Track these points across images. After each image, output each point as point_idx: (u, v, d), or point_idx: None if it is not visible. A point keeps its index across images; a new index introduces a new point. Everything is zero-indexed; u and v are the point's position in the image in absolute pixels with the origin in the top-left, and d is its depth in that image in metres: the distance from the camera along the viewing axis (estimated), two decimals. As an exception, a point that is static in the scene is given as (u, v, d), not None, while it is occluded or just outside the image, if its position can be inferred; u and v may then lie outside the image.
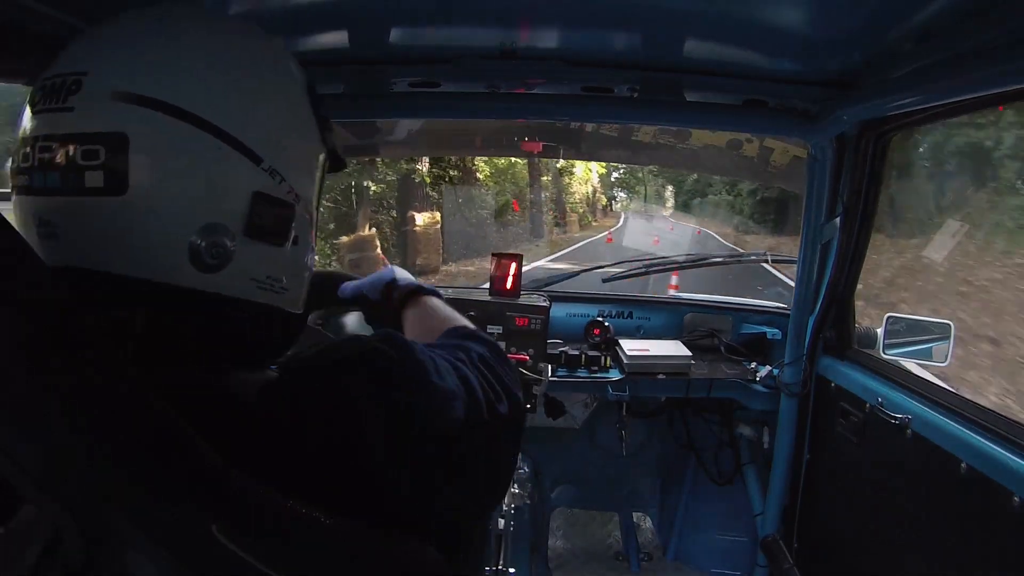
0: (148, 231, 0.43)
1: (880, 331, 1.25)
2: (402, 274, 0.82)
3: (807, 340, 1.38)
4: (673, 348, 1.56)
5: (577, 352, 1.54)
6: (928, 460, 0.99)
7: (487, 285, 1.56)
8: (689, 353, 1.53)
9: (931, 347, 1.18)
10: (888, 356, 1.23)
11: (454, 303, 1.57)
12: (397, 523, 0.44)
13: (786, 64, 1.03)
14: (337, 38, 0.99)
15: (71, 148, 0.42)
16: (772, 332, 1.62)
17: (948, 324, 1.18)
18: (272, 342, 0.51)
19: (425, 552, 0.46)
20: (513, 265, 1.54)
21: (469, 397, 0.50)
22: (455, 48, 1.05)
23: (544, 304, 1.49)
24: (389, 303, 0.78)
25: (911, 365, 1.22)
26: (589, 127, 1.67)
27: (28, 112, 0.45)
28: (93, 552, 0.35)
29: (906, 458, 1.05)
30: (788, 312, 1.46)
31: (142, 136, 0.42)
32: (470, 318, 1.63)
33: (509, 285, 1.53)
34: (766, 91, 1.13)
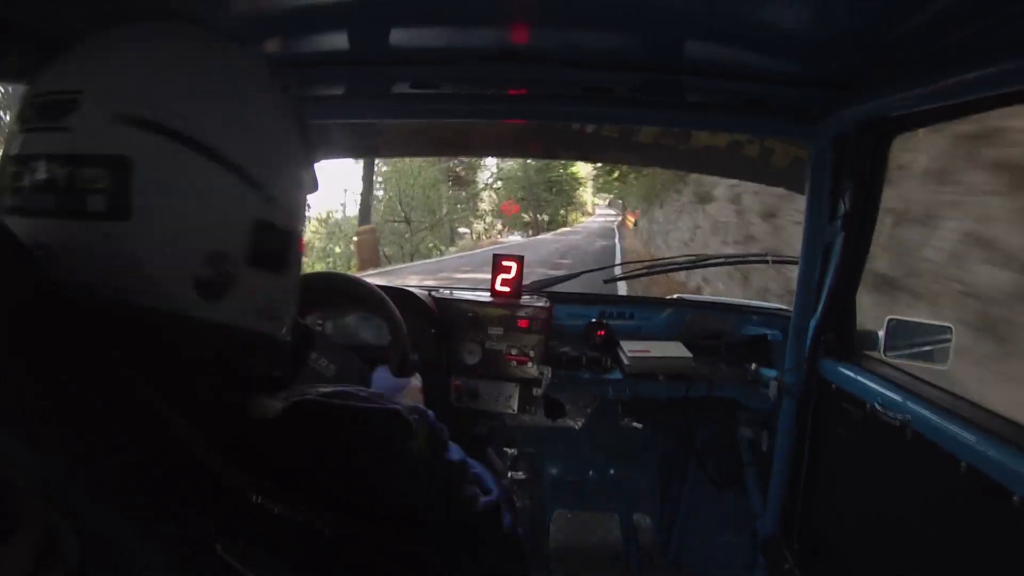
0: (152, 258, 0.42)
1: (881, 333, 1.25)
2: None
3: (808, 342, 1.38)
4: (674, 349, 1.56)
5: (578, 353, 1.53)
6: (928, 460, 0.99)
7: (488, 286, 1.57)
8: (690, 354, 1.53)
9: (932, 349, 1.18)
10: (889, 358, 1.23)
11: (454, 304, 1.58)
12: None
13: (786, 65, 1.03)
14: (337, 39, 0.99)
15: (70, 169, 0.40)
16: (773, 333, 1.61)
17: (948, 327, 1.18)
18: (268, 371, 0.50)
19: (430, 564, 0.47)
20: (514, 266, 1.54)
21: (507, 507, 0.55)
22: (455, 49, 1.05)
23: (545, 305, 1.49)
24: None
25: (913, 367, 1.21)
26: (589, 128, 1.66)
27: (17, 129, 0.43)
28: (91, 562, 0.34)
29: (906, 459, 1.05)
30: (789, 313, 1.46)
31: (145, 160, 0.41)
32: (469, 319, 1.63)
33: (510, 286, 1.53)
34: (766, 92, 1.13)
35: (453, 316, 1.46)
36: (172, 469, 0.36)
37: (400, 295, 1.37)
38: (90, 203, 0.40)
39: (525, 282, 1.59)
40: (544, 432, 1.78)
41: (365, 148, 1.83)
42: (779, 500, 1.50)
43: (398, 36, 0.99)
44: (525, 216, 27.67)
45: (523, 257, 1.56)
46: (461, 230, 23.10)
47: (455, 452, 0.54)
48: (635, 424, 1.59)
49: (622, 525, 1.93)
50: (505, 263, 1.55)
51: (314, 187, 0.57)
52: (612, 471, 1.92)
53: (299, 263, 0.52)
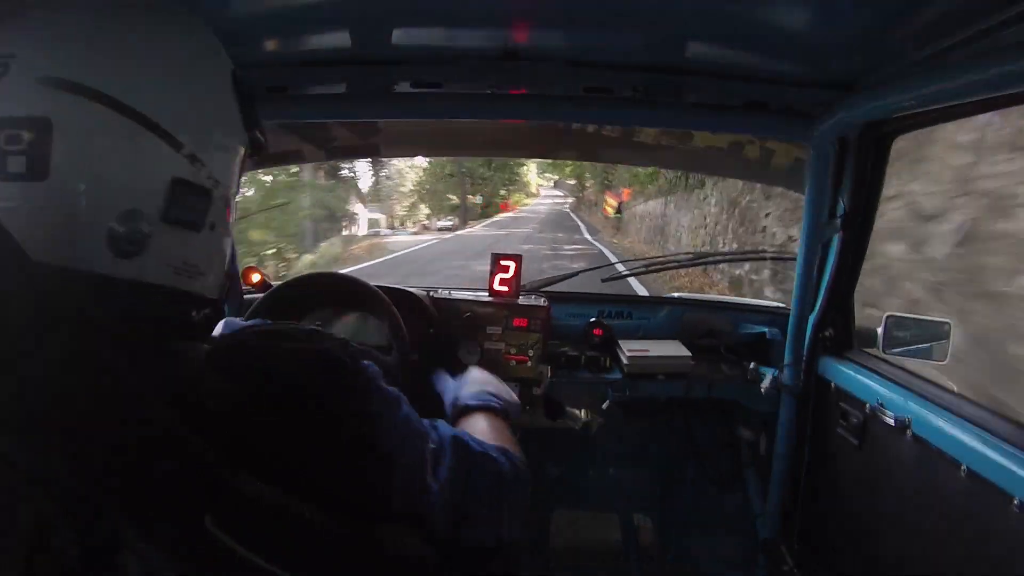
0: (67, 217, 0.42)
1: (879, 330, 1.25)
2: (467, 391, 0.90)
3: (807, 340, 1.38)
4: (673, 349, 1.56)
5: (577, 353, 1.53)
6: (928, 462, 0.99)
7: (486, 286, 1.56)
8: (689, 353, 1.53)
9: (931, 345, 1.18)
10: (888, 355, 1.23)
11: (453, 304, 1.58)
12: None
13: (787, 65, 1.03)
14: (339, 38, 0.99)
15: None
16: (772, 332, 1.62)
17: (947, 323, 1.18)
18: (192, 325, 0.51)
19: (412, 541, 0.47)
20: (512, 265, 1.53)
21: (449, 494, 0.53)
22: (457, 49, 1.05)
23: (543, 305, 1.49)
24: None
25: (912, 365, 1.21)
26: (590, 128, 1.66)
27: None
28: (88, 547, 0.35)
29: (906, 459, 1.05)
30: (788, 312, 1.46)
31: (66, 121, 0.42)
32: (467, 319, 1.63)
33: (508, 285, 1.53)
34: (767, 92, 1.13)
35: (452, 316, 1.46)
36: (171, 468, 0.37)
37: (399, 295, 1.37)
38: (10, 164, 0.41)
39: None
40: (544, 432, 1.78)
41: (365, 148, 1.83)
42: (778, 500, 1.51)
43: (399, 35, 0.99)
44: (452, 197, 22.40)
45: (521, 256, 1.56)
46: (372, 216, 19.60)
47: (384, 396, 0.53)
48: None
49: (622, 525, 1.93)
50: (503, 262, 1.55)
51: (257, 148, 0.57)
52: (612, 471, 1.92)
53: (224, 222, 0.53)
